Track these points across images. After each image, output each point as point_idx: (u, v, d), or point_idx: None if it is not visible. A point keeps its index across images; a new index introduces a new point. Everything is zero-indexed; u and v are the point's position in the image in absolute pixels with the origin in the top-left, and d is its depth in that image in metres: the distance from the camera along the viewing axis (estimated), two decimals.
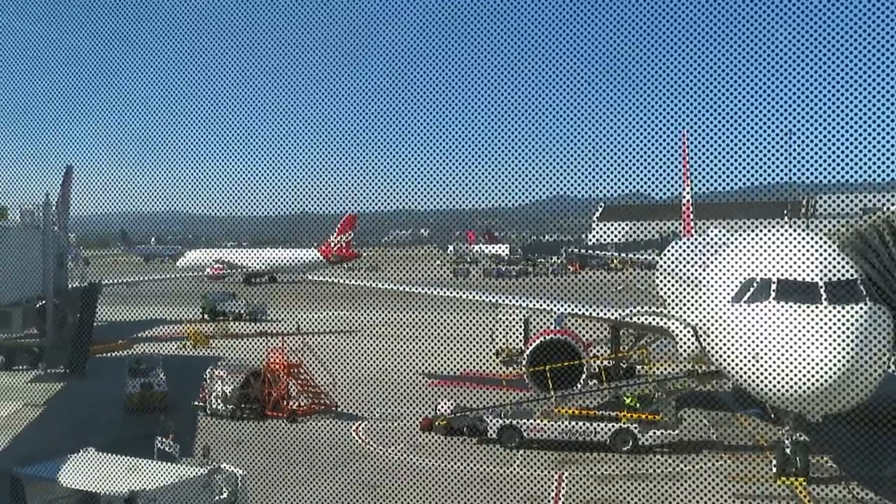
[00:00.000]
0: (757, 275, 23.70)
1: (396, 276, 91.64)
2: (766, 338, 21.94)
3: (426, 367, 44.25)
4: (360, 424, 35.60)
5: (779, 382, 21.10)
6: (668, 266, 43.74)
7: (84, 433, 31.51)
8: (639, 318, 39.27)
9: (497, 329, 51.66)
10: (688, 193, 51.51)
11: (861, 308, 21.47)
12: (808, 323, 21.13)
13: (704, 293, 28.41)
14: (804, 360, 20.41)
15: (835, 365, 20.01)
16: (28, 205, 44.91)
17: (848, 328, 20.74)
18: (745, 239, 28.15)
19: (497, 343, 51.22)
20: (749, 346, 22.53)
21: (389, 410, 37.04)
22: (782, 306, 22.10)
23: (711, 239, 37.02)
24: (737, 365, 23.68)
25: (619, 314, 39.97)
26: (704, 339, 28.47)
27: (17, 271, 39.97)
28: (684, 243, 46.55)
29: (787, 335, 21.29)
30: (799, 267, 22.83)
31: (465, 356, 44.01)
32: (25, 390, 44.60)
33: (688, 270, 35.75)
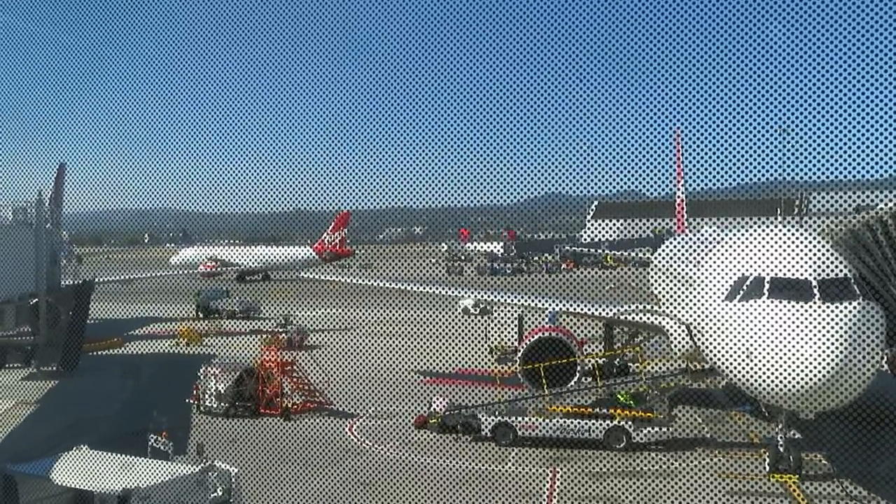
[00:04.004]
0: (750, 272, 23.75)
1: (390, 273, 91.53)
2: (758, 335, 21.99)
3: (420, 365, 44.24)
4: (353, 422, 35.59)
5: (772, 380, 21.17)
6: (662, 264, 43.81)
7: (77, 431, 31.43)
8: (632, 316, 39.35)
9: (491, 327, 51.71)
10: (681, 191, 51.63)
11: (853, 306, 21.54)
12: (800, 320, 21.19)
13: (698, 291, 28.48)
14: (797, 357, 20.48)
15: (827, 362, 20.07)
16: (21, 202, 44.70)
17: (840, 326, 20.80)
18: (738, 236, 28.22)
19: (491, 341, 51.26)
20: (742, 343, 22.58)
21: (383, 408, 37.05)
22: (775, 304, 22.16)
23: (705, 237, 37.11)
24: (730, 362, 23.74)
25: (613, 312, 40.03)
26: (698, 337, 28.54)
27: (10, 269, 39.77)
28: (678, 241, 46.65)
29: (779, 333, 21.35)
30: (792, 265, 22.89)
31: (458, 354, 44.00)
32: (18, 388, 44.47)
33: (681, 268, 35.83)
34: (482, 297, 54.16)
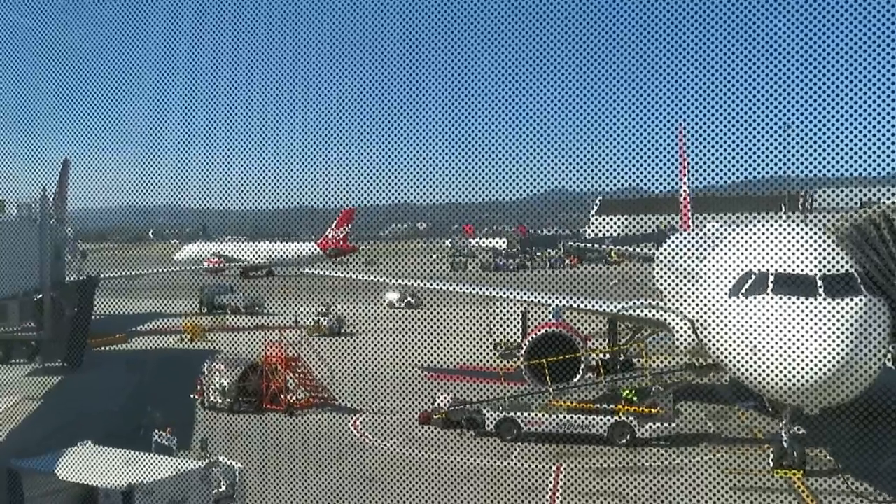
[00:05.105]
0: (754, 268, 23.70)
1: (393, 269, 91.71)
2: (763, 331, 21.94)
3: (424, 361, 44.27)
4: (358, 418, 35.62)
5: (776, 375, 21.13)
6: (666, 259, 43.74)
7: (81, 426, 31.46)
8: (636, 312, 39.29)
9: (495, 322, 51.72)
10: (685, 187, 51.49)
11: (858, 301, 21.49)
12: (805, 316, 21.14)
13: (702, 286, 28.42)
14: (801, 353, 20.43)
15: (832, 358, 20.03)
16: (25, 198, 44.73)
17: (845, 321, 20.76)
18: (742, 232, 28.15)
19: (495, 336, 51.29)
20: (746, 339, 22.54)
21: (387, 404, 37.04)
22: (780, 299, 22.11)
23: (709, 232, 37.01)
24: (734, 358, 23.70)
25: (617, 307, 39.99)
26: (702, 333, 28.50)
27: (15, 265, 39.85)
28: (682, 237, 46.55)
29: (784, 328, 21.31)
30: (796, 260, 22.84)
31: (463, 349, 44.00)
32: (23, 384, 44.56)
33: (685, 264, 35.76)
34: (486, 292, 53.98)
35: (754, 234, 26.63)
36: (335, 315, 62.21)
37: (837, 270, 22.32)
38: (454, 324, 50.55)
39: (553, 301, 41.96)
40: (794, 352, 20.63)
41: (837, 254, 22.96)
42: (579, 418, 31.42)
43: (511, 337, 49.91)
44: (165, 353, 53.89)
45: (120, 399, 39.11)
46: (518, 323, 50.36)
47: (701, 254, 31.85)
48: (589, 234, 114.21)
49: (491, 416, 32.26)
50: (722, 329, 24.70)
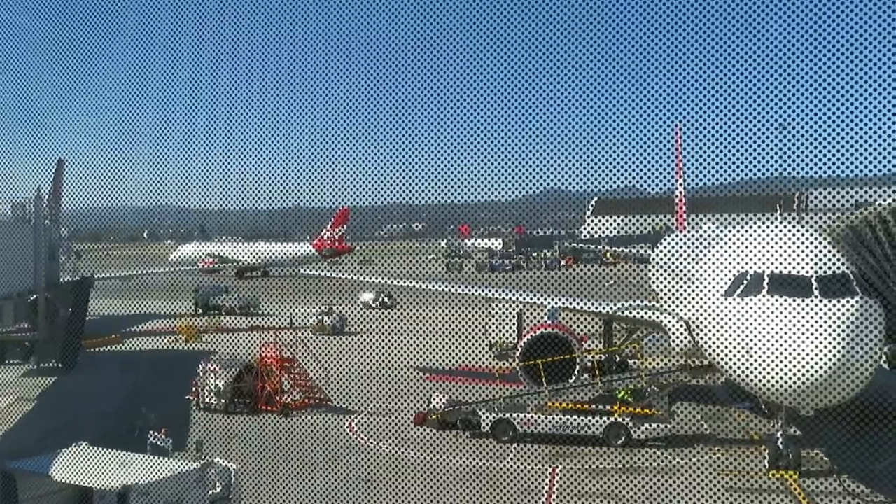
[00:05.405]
0: (749, 269, 23.73)
1: (389, 269, 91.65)
2: (758, 332, 21.96)
3: (420, 362, 44.23)
4: (353, 419, 35.58)
5: (771, 376, 21.14)
6: (661, 260, 43.77)
7: (76, 427, 31.37)
8: (632, 313, 39.29)
9: (491, 323, 51.70)
10: (681, 187, 51.57)
11: (852, 302, 21.51)
12: (799, 317, 21.16)
13: (697, 287, 28.45)
14: (796, 354, 20.44)
15: (827, 359, 20.04)
16: (19, 198, 44.65)
17: (839, 322, 20.77)
18: (737, 233, 28.18)
19: (491, 337, 51.26)
20: (741, 340, 22.55)
21: (383, 405, 37.03)
22: (774, 300, 22.13)
23: (704, 233, 37.06)
24: (729, 359, 23.69)
25: (613, 308, 39.97)
26: (697, 334, 28.52)
27: (9, 265, 39.73)
28: (677, 237, 46.60)
29: (779, 329, 21.32)
30: (791, 261, 22.87)
31: (458, 350, 43.97)
32: (17, 384, 44.45)
33: (681, 264, 35.79)
34: (482, 293, 53.97)
35: (750, 234, 26.67)
36: (338, 314, 62.64)
37: (833, 271, 22.35)
38: (450, 325, 50.50)
39: (549, 302, 41.96)
40: (789, 353, 20.64)
41: (832, 255, 22.99)
42: (575, 419, 31.42)
43: (507, 338, 49.87)
44: (160, 354, 53.78)
45: (115, 400, 39.01)
46: (514, 324, 50.32)
47: (696, 254, 31.89)
48: (585, 235, 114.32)
49: (486, 417, 32.24)
50: (717, 330, 24.71)
